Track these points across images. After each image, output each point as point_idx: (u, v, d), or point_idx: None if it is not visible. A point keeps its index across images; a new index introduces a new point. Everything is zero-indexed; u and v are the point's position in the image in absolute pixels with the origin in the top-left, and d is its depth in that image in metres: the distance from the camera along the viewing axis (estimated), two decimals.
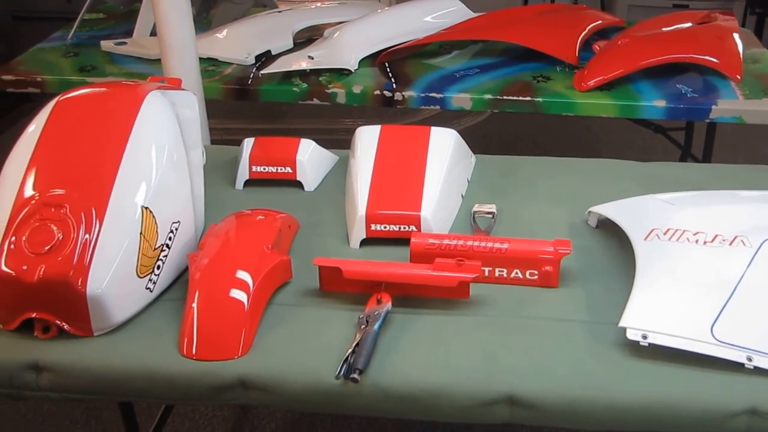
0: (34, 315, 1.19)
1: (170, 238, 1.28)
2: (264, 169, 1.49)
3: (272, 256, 1.25)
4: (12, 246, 1.16)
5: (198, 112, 1.47)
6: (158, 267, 1.26)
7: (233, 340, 1.16)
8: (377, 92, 2.03)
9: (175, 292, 1.28)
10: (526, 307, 1.14)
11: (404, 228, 1.34)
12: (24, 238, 1.16)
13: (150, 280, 1.26)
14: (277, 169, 1.50)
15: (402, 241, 1.35)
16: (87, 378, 1.17)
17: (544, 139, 3.27)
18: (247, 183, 1.50)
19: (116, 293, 1.19)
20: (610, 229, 1.26)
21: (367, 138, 1.52)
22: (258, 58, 2.18)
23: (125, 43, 2.43)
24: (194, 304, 1.18)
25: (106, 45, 2.45)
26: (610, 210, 1.25)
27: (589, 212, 1.29)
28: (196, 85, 1.89)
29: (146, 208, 1.23)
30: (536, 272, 1.21)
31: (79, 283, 1.15)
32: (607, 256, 1.22)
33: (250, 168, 1.49)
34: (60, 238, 1.16)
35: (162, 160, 1.29)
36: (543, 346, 1.05)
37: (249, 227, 1.35)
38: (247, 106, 2.49)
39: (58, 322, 1.19)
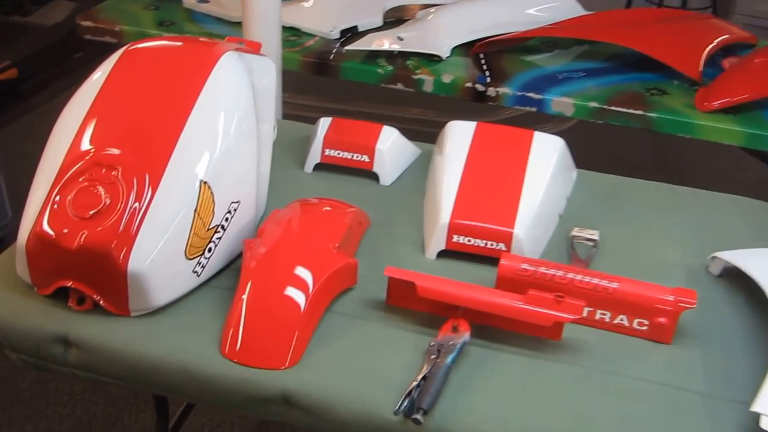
0: (69, 284, 1.07)
1: (227, 219, 1.15)
2: (338, 154, 1.35)
3: (338, 257, 1.10)
4: (55, 206, 1.05)
5: (275, 81, 1.32)
6: (209, 249, 1.12)
7: (282, 348, 1.02)
8: (468, 84, 1.86)
9: (225, 280, 1.15)
10: (630, 362, 0.96)
11: (492, 245, 1.17)
12: (69, 198, 1.04)
13: (199, 263, 1.12)
14: (352, 156, 1.35)
15: (486, 259, 1.17)
16: (117, 362, 1.05)
17: (631, 156, 3.02)
18: (317, 167, 1.38)
19: (160, 272, 1.06)
20: (737, 281, 1.06)
21: (460, 135, 1.34)
22: (343, 33, 2.05)
23: (208, 1, 2.32)
24: (244, 297, 1.04)
25: (189, 2, 2.34)
26: (740, 258, 1.05)
27: (713, 257, 1.09)
28: (276, 54, 1.75)
29: (205, 182, 1.10)
30: (647, 322, 1.02)
31: (121, 257, 1.03)
32: (733, 314, 1.02)
33: (323, 151, 1.35)
34: (107, 204, 1.03)
35: (229, 130, 1.15)
36: (649, 419, 0.87)
37: (315, 219, 1.20)
38: (323, 83, 2.33)
39: (95, 296, 1.07)
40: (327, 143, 1.38)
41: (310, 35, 2.21)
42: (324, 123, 1.43)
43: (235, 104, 1.18)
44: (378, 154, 1.36)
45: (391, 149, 1.38)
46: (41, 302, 1.10)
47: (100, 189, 1.05)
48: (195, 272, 1.13)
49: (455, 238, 1.19)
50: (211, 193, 1.13)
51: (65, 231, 1.03)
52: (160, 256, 1.07)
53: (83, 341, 1.07)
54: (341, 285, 1.12)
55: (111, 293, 1.07)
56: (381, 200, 1.31)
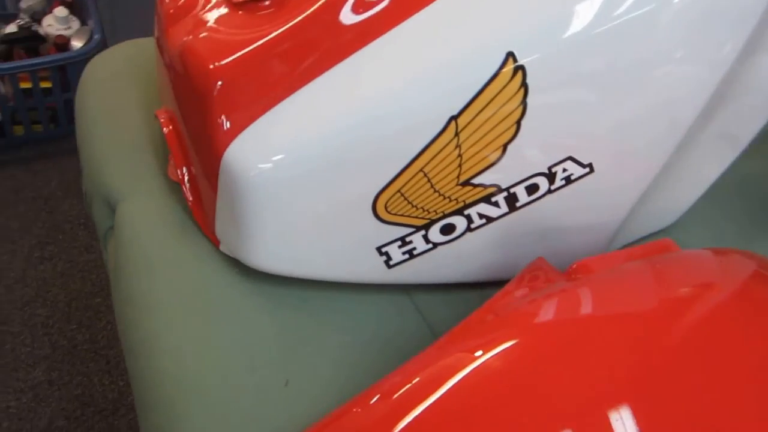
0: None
1: (531, 189, 0.43)
2: None
3: None
4: None
5: None
6: (448, 228, 0.43)
7: None
8: None
9: (436, 312, 0.45)
10: None
11: None
12: None
13: (405, 242, 0.44)
14: None
15: None
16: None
17: None
18: None
19: (296, 204, 0.45)
20: None
21: None
22: None
23: None
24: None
25: None
26: None
27: None
28: None
29: (515, 61, 0.39)
30: None
31: (222, 119, 0.41)
32: None
33: None
34: None
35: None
36: None
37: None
38: None
39: (181, 171, 0.50)
40: None
41: None
42: None
43: None
44: None
45: None
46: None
47: None
48: (384, 255, 0.46)
49: None
50: (524, 103, 0.41)
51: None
52: (303, 168, 0.42)
53: (121, 239, 0.50)
54: None
55: (203, 173, 0.47)
56: None
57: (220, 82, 0.45)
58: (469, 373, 0.39)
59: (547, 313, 0.41)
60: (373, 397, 0.39)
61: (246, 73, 0.45)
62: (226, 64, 0.45)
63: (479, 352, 0.40)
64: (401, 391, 0.39)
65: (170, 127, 0.54)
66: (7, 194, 1.32)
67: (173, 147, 0.53)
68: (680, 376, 0.39)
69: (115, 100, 0.64)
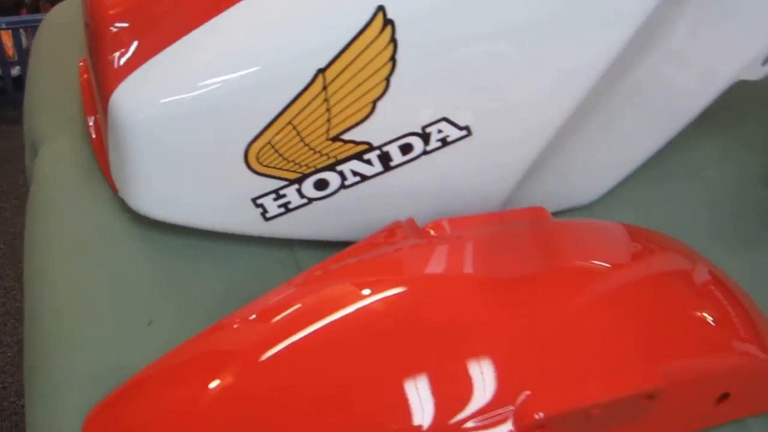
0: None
1: (405, 148, 0.45)
2: None
3: None
4: None
5: None
6: (322, 183, 0.45)
7: None
8: None
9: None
10: None
11: None
12: None
13: (279, 195, 0.46)
14: None
15: None
16: None
17: None
18: None
19: (170, 151, 0.47)
20: None
21: None
22: None
23: None
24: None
25: None
26: None
27: None
28: None
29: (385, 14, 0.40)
30: None
31: (116, 58, 0.43)
32: None
33: None
34: None
35: None
36: None
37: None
38: None
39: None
40: None
41: None
42: None
43: None
44: None
45: None
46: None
47: None
48: (260, 208, 0.47)
49: None
50: (393, 59, 0.43)
51: None
52: (180, 114, 0.44)
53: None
54: None
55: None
56: None
57: (113, 27, 0.47)
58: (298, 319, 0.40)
59: (382, 266, 0.42)
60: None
61: (138, 18, 0.47)
62: (120, 8, 0.47)
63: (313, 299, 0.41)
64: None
65: (86, 76, 0.56)
66: (19, 149, 1.39)
67: (85, 94, 0.55)
68: (511, 328, 0.39)
69: (65, 45, 0.67)
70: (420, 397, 0.37)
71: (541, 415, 0.36)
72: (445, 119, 0.46)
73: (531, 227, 0.46)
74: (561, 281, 0.43)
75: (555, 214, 0.59)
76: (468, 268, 0.42)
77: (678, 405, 0.43)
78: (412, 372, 0.38)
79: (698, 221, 0.63)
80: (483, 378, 0.38)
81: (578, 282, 0.43)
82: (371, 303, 0.40)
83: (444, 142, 0.47)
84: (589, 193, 0.59)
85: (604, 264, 0.46)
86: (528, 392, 0.37)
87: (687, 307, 0.47)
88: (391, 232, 0.45)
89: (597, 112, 0.53)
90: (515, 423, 0.36)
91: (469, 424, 0.37)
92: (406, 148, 0.47)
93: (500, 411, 0.37)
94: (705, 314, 0.47)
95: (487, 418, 0.37)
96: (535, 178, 0.53)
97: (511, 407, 0.37)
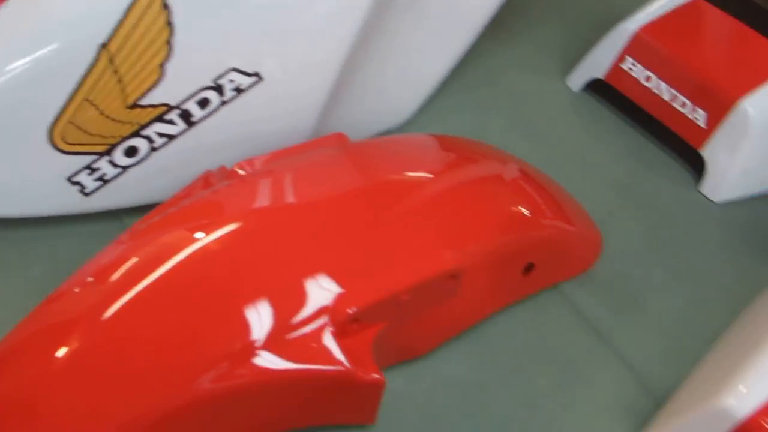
0: None
1: (203, 103, 0.48)
2: (645, 79, 0.67)
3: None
4: None
5: None
6: (132, 150, 0.47)
7: None
8: None
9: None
10: None
11: None
12: None
13: (92, 169, 0.48)
14: (672, 97, 0.65)
15: None
16: None
17: None
18: (593, 87, 0.74)
19: None
20: None
21: None
22: None
23: None
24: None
25: None
26: None
27: None
28: None
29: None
30: None
31: None
32: None
33: (618, 60, 0.69)
34: None
35: None
36: None
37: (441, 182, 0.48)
38: None
39: None
40: (634, 46, 0.63)
41: None
42: (653, 5, 0.62)
43: None
44: (734, 122, 0.61)
45: None
46: None
47: None
48: (77, 185, 0.49)
49: None
50: (169, 23, 0.45)
51: None
52: None
53: None
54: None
55: None
56: (675, 230, 0.62)
57: None
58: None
59: (200, 209, 0.45)
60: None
61: None
62: None
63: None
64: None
65: None
66: None
67: None
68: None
69: None
70: (251, 319, 0.41)
71: (354, 309, 0.41)
72: (234, 69, 0.50)
73: (331, 151, 0.50)
74: (364, 193, 0.47)
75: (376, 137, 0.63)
76: (278, 196, 0.46)
77: (486, 281, 0.49)
78: (242, 299, 0.41)
79: (505, 123, 0.69)
80: (302, 291, 0.42)
81: (381, 190, 0.48)
82: (196, 245, 0.43)
83: (239, 91, 0.51)
84: (401, 111, 0.64)
85: (406, 172, 0.51)
86: (341, 292, 0.42)
87: (493, 198, 0.53)
88: (205, 180, 0.48)
89: (384, 36, 0.57)
90: (332, 322, 0.41)
91: (295, 334, 0.41)
92: (203, 103, 0.50)
93: (320, 317, 0.41)
94: (510, 202, 0.53)
95: (308, 324, 0.41)
96: (341, 106, 0.57)
97: (328, 310, 0.41)
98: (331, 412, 0.44)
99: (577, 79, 0.72)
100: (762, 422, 0.42)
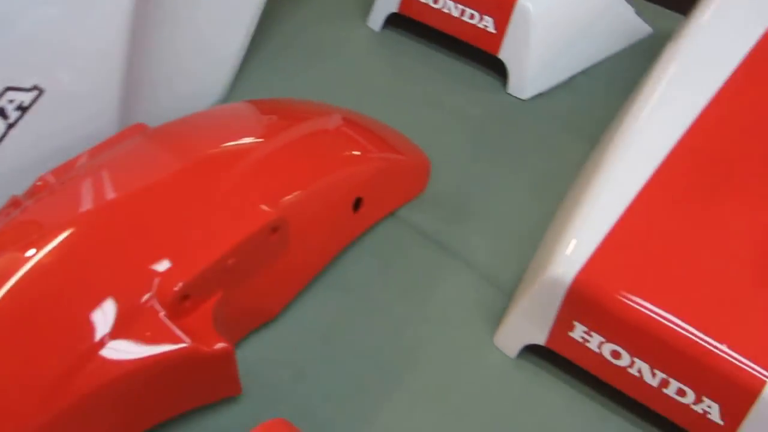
0: None
1: None
2: (436, 3, 0.69)
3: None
4: None
5: None
6: None
7: None
8: None
9: None
10: None
11: None
12: None
13: None
14: (462, 12, 0.68)
15: None
16: None
17: None
18: (392, 22, 0.76)
19: None
20: None
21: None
22: None
23: None
24: None
25: None
26: None
27: None
28: None
29: None
30: None
31: None
32: None
33: None
34: None
35: None
36: None
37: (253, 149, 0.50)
38: None
39: None
40: None
41: None
42: None
43: None
44: (518, 21, 0.64)
45: (551, 15, 0.63)
46: None
47: None
48: None
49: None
50: None
51: None
52: None
53: None
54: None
55: None
56: (493, 135, 0.65)
57: None
58: None
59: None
60: None
61: None
62: None
63: None
64: None
65: None
66: None
67: None
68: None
69: None
70: (82, 328, 0.40)
71: (180, 284, 0.42)
72: (9, 88, 0.49)
73: (133, 140, 0.50)
74: (175, 170, 0.47)
75: None
76: (87, 198, 0.46)
77: (317, 226, 0.51)
78: (66, 312, 0.41)
79: (318, 77, 0.70)
80: (125, 285, 0.42)
81: (192, 162, 0.48)
82: (12, 268, 0.42)
83: (23, 109, 0.50)
84: (209, 91, 0.64)
85: (216, 140, 0.51)
86: (164, 271, 0.42)
87: (312, 148, 0.54)
88: (14, 203, 0.47)
89: (165, 13, 0.56)
90: (162, 304, 0.41)
91: (127, 328, 0.41)
92: None
93: (149, 303, 0.41)
94: (330, 148, 0.55)
95: (139, 314, 0.41)
96: (145, 99, 0.57)
97: (155, 294, 0.42)
98: (195, 394, 0.45)
99: (376, 19, 0.74)
100: (589, 279, 0.44)
